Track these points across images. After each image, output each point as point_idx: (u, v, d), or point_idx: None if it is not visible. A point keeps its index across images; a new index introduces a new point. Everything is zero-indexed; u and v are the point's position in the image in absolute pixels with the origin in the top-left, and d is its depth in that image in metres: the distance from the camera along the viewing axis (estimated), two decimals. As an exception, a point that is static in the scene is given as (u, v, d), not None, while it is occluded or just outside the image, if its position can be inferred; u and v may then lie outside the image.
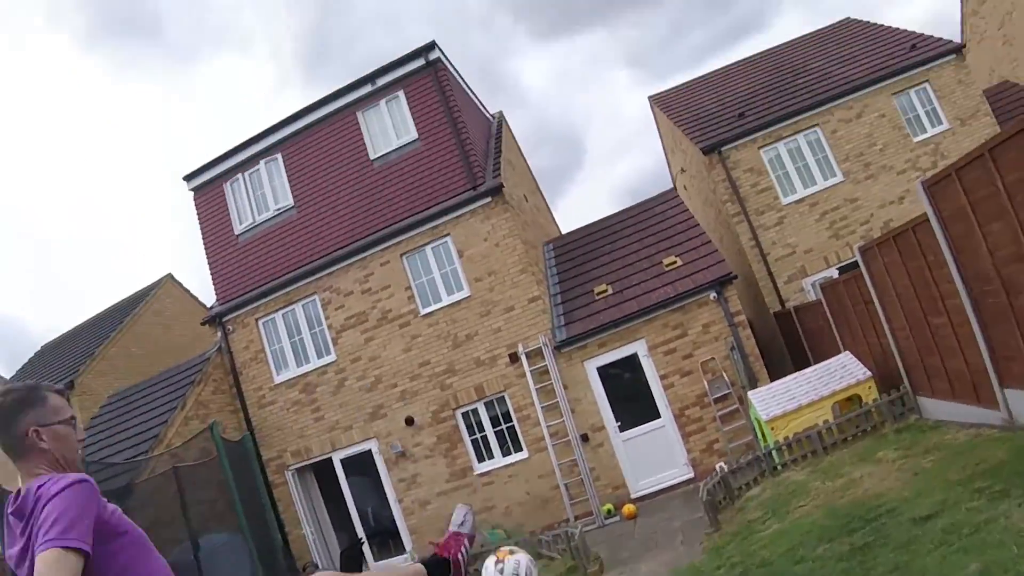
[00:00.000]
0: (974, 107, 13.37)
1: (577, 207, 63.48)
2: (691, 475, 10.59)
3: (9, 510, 1.86)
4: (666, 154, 20.02)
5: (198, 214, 13.85)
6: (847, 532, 5.05)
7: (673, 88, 18.17)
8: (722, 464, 9.47)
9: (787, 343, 12.69)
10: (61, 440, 1.95)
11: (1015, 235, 4.80)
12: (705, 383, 10.56)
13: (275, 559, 8.43)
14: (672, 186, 18.06)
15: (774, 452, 8.12)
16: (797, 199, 13.38)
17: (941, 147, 13.01)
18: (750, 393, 9.33)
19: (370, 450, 12.08)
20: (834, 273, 12.32)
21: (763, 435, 8.86)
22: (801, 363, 11.18)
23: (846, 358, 8.81)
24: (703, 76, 17.77)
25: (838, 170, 13.32)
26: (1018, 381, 5.36)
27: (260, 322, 12.78)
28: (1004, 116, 13.28)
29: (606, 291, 11.77)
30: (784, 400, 8.50)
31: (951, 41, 13.88)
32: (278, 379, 12.57)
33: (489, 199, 11.77)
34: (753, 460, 8.24)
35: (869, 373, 8.27)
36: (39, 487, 1.79)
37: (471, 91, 14.76)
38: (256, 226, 13.24)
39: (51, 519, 1.69)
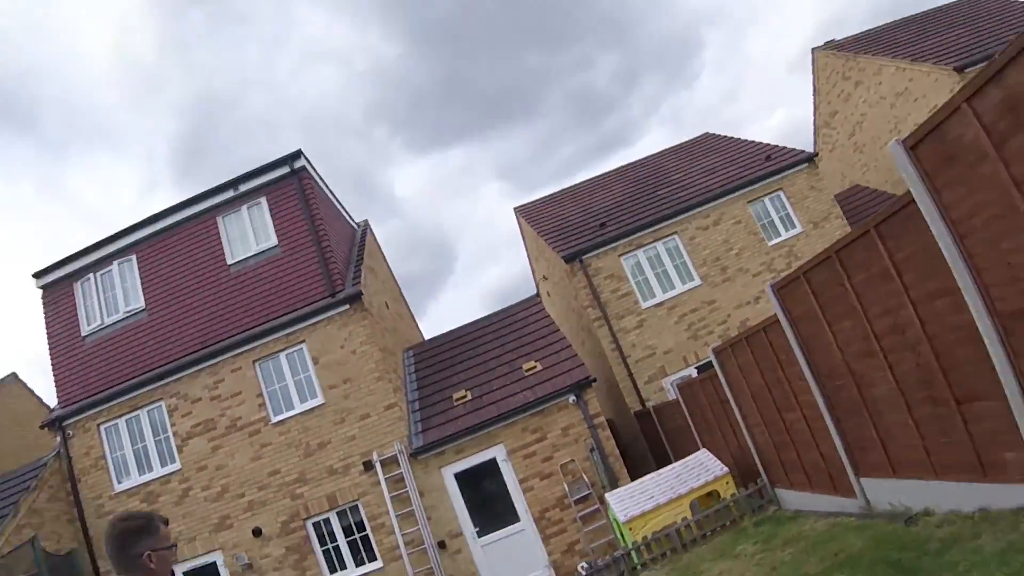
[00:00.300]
0: (826, 211, 14.48)
1: (448, 311, 64.23)
2: None
3: None
4: (530, 262, 20.58)
5: (45, 312, 13.10)
6: None
7: (538, 200, 19.04)
8: (584, 564, 9.16)
9: (649, 442, 12.88)
10: (164, 563, 2.34)
11: (864, 331, 5.08)
12: (565, 485, 10.38)
13: None
14: (536, 292, 18.50)
15: (633, 553, 7.91)
16: (656, 303, 13.97)
17: (795, 249, 14.03)
18: (608, 495, 9.23)
19: (215, 562, 11.19)
20: (693, 372, 12.79)
21: (622, 535, 8.65)
22: (663, 461, 11.32)
23: (703, 455, 8.96)
24: (568, 188, 18.85)
25: (695, 274, 14.09)
26: (874, 470, 5.57)
27: (102, 427, 11.96)
28: (855, 218, 14.62)
29: (465, 397, 11.68)
30: (642, 500, 8.43)
31: (804, 151, 15.21)
32: (118, 487, 11.70)
33: (347, 306, 11.70)
34: (611, 561, 7.97)
35: (726, 469, 8.42)
36: None
37: (336, 200, 15.01)
38: (104, 328, 12.62)
39: None
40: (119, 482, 11.73)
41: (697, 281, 14.12)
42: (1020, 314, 3.53)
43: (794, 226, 14.57)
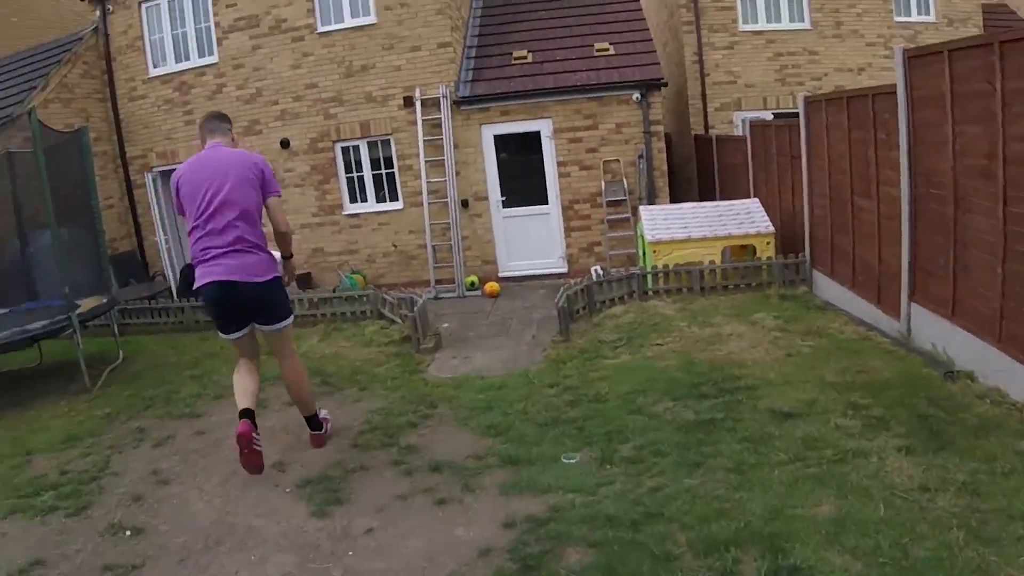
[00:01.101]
0: (968, 13, 12.98)
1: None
2: (564, 269, 10.57)
3: None
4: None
5: None
6: (696, 396, 4.70)
7: None
8: (598, 268, 9.33)
9: (699, 170, 12.37)
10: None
11: (993, 149, 4.19)
12: (603, 183, 10.08)
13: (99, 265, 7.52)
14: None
15: (649, 277, 7.84)
16: (756, 30, 12.46)
17: (919, 36, 12.29)
18: (643, 208, 8.89)
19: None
20: (768, 116, 11.66)
21: (643, 254, 8.57)
22: (707, 196, 10.96)
23: (752, 204, 8.44)
24: None
25: (807, 16, 12.46)
26: (932, 302, 5.09)
27: (143, 6, 11.25)
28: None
29: (525, 57, 10.82)
30: (676, 227, 8.10)
31: None
32: (153, 72, 11.42)
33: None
34: (626, 277, 7.84)
35: (772, 228, 7.95)
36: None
37: None
38: None
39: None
40: (155, 67, 11.43)
41: (807, 24, 12.44)
42: None
43: (928, 12, 12.86)
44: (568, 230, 10.62)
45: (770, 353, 5.51)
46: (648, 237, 7.99)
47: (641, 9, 11.75)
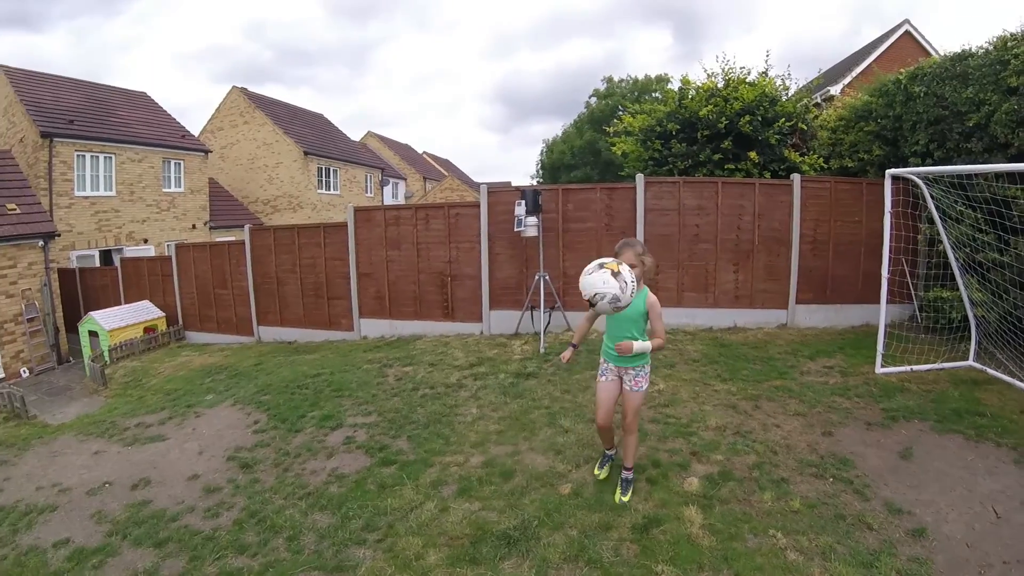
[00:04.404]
0: (202, 185, 21.45)
1: None
2: (2, 375, 13.25)
3: None
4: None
5: None
6: (204, 375, 10.89)
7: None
8: (25, 369, 13.03)
9: (83, 288, 16.56)
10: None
11: (293, 261, 12.61)
12: (23, 305, 13.59)
13: None
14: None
15: (106, 352, 12.85)
16: (85, 195, 17.95)
17: (175, 200, 20.33)
18: (93, 312, 13.49)
19: None
20: (95, 253, 17.11)
21: (87, 344, 13.22)
22: (88, 308, 15.52)
23: (145, 303, 14.41)
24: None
25: (114, 187, 18.71)
26: (270, 322, 12.96)
27: None
28: (217, 195, 22.30)
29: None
30: (115, 320, 13.36)
31: (204, 145, 22.29)
32: None
33: None
34: (98, 356, 12.64)
35: (162, 314, 14.24)
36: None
37: None
38: None
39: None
40: None
41: (113, 192, 18.73)
42: (363, 274, 11.85)
43: (180, 186, 21.11)
44: (1, 345, 13.35)
45: (225, 357, 12.23)
46: (106, 327, 12.95)
47: (27, 179, 15.39)
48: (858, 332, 9.06)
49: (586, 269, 3.66)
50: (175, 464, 6.02)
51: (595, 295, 3.56)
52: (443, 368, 8.29)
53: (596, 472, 4.63)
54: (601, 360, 4.25)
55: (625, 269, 3.62)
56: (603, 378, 4.24)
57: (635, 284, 3.65)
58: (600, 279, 3.56)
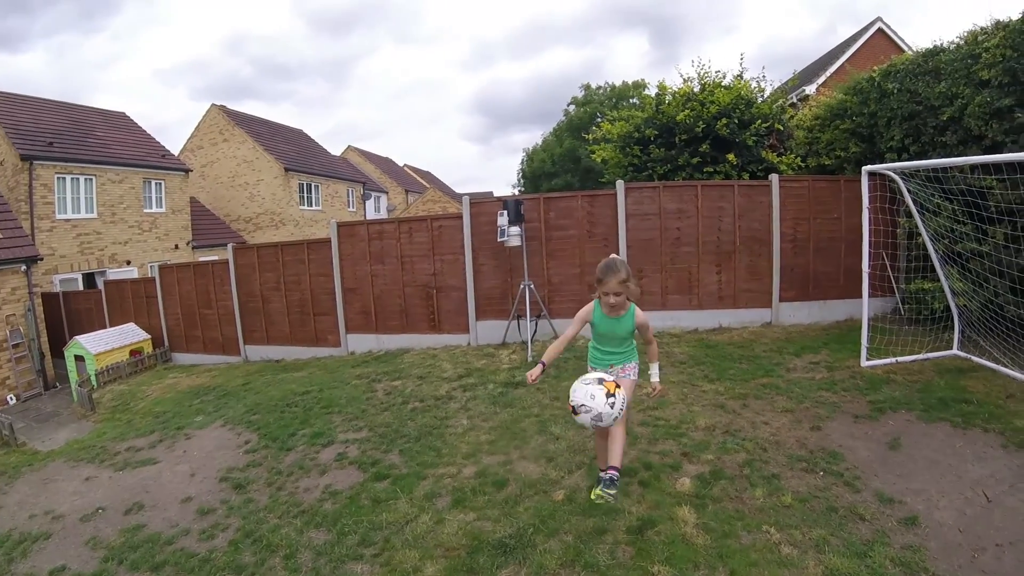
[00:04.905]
0: (183, 205, 21.31)
1: None
2: None
3: None
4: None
5: None
6: (193, 396, 10.79)
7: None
8: (11, 396, 12.87)
9: (67, 311, 16.35)
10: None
11: (278, 277, 12.50)
12: (7, 331, 13.42)
13: None
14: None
15: (93, 376, 12.71)
16: (66, 218, 17.81)
17: (157, 221, 20.21)
18: (79, 337, 13.34)
19: None
20: (78, 276, 16.93)
21: (75, 369, 13.07)
22: (72, 332, 15.33)
23: (131, 326, 14.27)
24: None
25: (96, 209, 18.55)
26: (256, 340, 12.87)
27: None
28: (199, 214, 22.23)
29: None
30: (100, 343, 13.22)
31: (184, 164, 22.13)
32: None
33: None
34: (85, 381, 12.49)
35: (148, 335, 14.10)
36: None
37: None
38: None
39: None
40: None
41: (95, 215, 18.59)
42: (348, 289, 11.83)
43: (162, 206, 21.00)
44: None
45: (210, 378, 12.15)
46: (92, 352, 12.81)
47: (8, 203, 15.24)
48: (842, 327, 9.17)
49: (583, 377, 3.65)
50: (167, 487, 5.97)
51: (581, 407, 3.54)
52: (432, 381, 8.29)
53: (592, 497, 4.42)
54: (590, 368, 4.17)
55: (620, 394, 3.58)
56: None
57: (624, 408, 3.61)
58: (590, 394, 3.53)
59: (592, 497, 4.33)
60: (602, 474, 4.39)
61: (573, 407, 3.59)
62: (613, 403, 3.52)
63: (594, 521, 4.15)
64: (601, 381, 3.59)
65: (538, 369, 3.79)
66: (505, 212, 9.33)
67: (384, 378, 8.78)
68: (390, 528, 4.44)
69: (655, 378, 4.10)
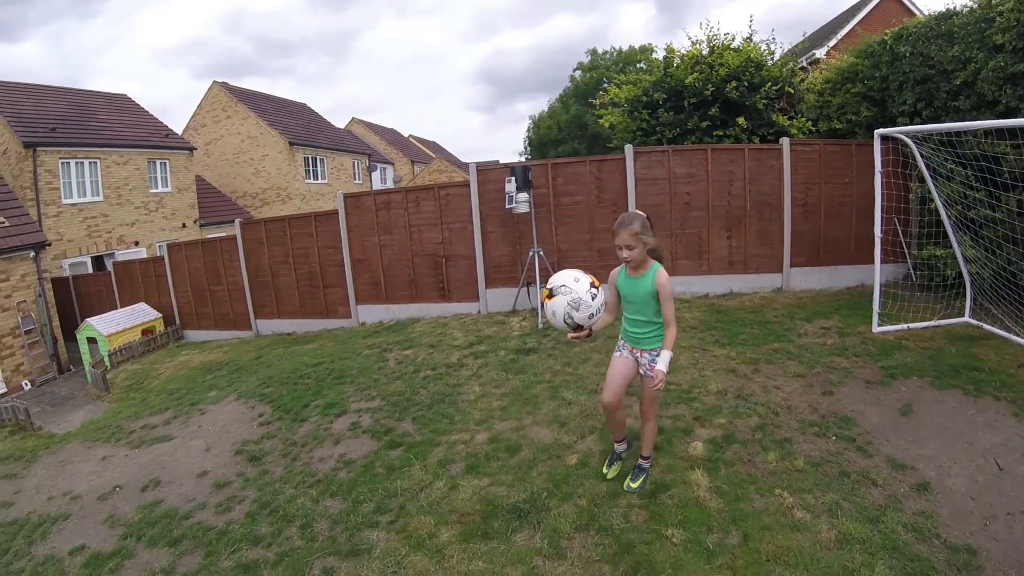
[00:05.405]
0: (188, 184, 21.29)
1: None
2: (4, 389, 13.21)
3: None
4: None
5: None
6: (205, 371, 10.90)
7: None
8: (26, 382, 13.00)
9: (77, 295, 16.53)
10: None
11: (285, 253, 12.54)
12: (19, 317, 13.54)
13: None
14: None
15: (106, 357, 12.81)
16: (72, 203, 17.80)
17: (163, 200, 20.19)
18: (90, 319, 13.44)
19: None
20: (87, 260, 16.99)
21: (87, 351, 13.19)
22: (84, 315, 15.45)
23: (142, 306, 14.35)
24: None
25: (101, 192, 18.52)
26: (266, 315, 12.91)
27: None
28: (204, 191, 22.25)
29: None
30: (112, 324, 13.32)
31: (188, 142, 21.94)
32: None
33: None
34: (98, 362, 12.62)
35: (159, 314, 14.19)
36: None
37: None
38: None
39: None
40: None
41: (101, 197, 18.56)
42: (356, 260, 11.81)
43: (167, 186, 20.94)
44: (1, 358, 13.31)
45: (220, 355, 12.22)
46: (104, 333, 12.90)
47: (14, 192, 15.27)
48: (853, 293, 9.11)
49: (570, 270, 3.55)
50: (183, 462, 6.04)
51: (561, 287, 3.39)
52: (443, 349, 8.32)
53: (604, 471, 4.37)
54: (620, 337, 4.05)
55: (602, 296, 3.47)
56: (618, 353, 4.01)
57: (601, 313, 3.47)
58: (574, 276, 3.43)
59: (605, 472, 4.37)
60: (617, 446, 4.44)
61: (550, 289, 3.42)
62: (595, 295, 3.40)
63: (607, 485, 4.18)
64: (588, 278, 3.48)
65: (584, 332, 3.56)
66: (513, 179, 9.25)
67: (395, 347, 8.82)
68: (405, 495, 4.48)
69: (660, 365, 3.57)
